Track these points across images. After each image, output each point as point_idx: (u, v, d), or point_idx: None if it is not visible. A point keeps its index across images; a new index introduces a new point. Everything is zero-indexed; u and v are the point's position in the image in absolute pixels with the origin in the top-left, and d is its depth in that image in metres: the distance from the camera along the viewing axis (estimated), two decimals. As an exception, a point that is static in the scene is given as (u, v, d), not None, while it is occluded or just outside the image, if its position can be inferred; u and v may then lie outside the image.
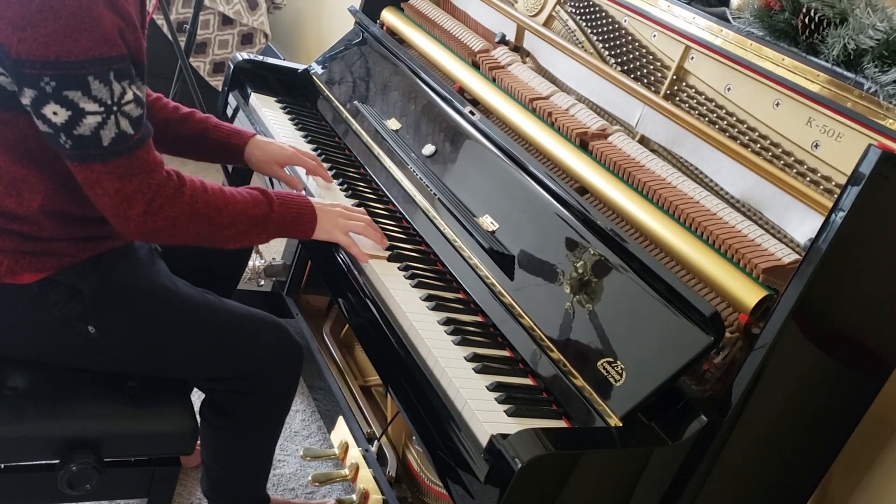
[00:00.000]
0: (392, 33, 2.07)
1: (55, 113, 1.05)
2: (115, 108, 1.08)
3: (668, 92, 1.48)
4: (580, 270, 1.26)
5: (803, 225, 1.21)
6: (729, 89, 1.38)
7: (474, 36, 1.89)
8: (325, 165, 1.67)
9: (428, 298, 1.33)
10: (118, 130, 1.09)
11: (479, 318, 1.34)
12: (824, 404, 1.27)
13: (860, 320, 1.21)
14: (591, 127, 1.52)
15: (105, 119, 1.07)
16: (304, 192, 1.46)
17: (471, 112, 1.63)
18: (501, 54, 1.79)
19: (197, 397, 1.40)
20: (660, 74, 1.52)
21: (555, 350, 1.20)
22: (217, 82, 3.32)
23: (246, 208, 1.26)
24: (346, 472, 1.71)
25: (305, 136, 1.83)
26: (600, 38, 1.65)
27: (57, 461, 1.23)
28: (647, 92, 1.48)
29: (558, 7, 1.76)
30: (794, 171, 1.27)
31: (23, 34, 1.01)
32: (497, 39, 1.85)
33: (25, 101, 1.05)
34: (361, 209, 1.48)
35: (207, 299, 1.34)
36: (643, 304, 1.17)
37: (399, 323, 1.27)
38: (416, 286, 1.36)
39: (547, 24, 1.78)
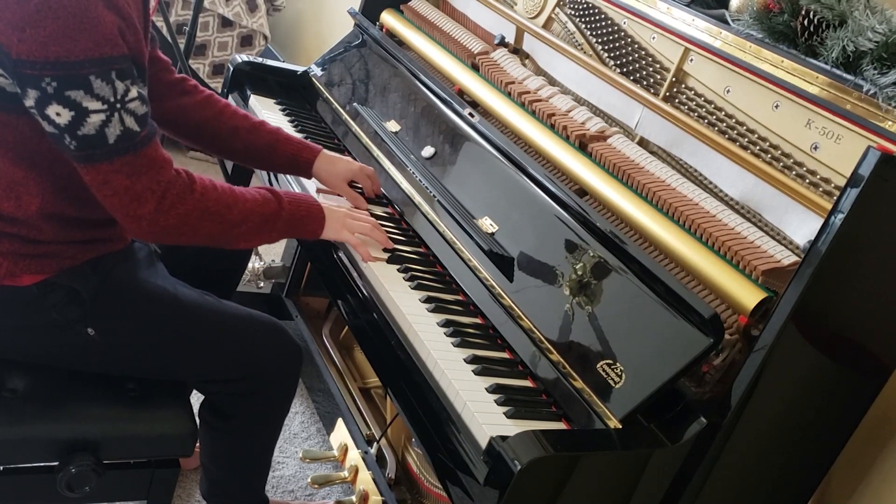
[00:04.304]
0: (391, 35, 2.07)
1: (58, 114, 1.05)
2: (118, 106, 1.07)
3: (668, 94, 1.48)
4: (579, 272, 1.26)
5: (803, 227, 1.21)
6: (728, 91, 1.38)
7: (473, 38, 1.89)
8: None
9: (427, 300, 1.33)
10: (123, 128, 1.08)
11: (478, 320, 1.34)
12: (824, 406, 1.27)
13: (860, 322, 1.21)
14: (590, 129, 1.52)
15: (109, 117, 1.07)
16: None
17: (470, 114, 1.63)
18: (501, 56, 1.80)
19: (196, 399, 1.40)
20: (659, 76, 1.52)
21: (554, 352, 1.20)
22: (216, 84, 3.32)
23: (256, 206, 1.26)
24: (345, 473, 1.70)
25: (305, 139, 1.82)
26: (600, 40, 1.65)
27: (56, 463, 1.22)
28: (646, 94, 1.48)
29: (557, 9, 1.76)
30: (794, 172, 1.27)
31: (22, 35, 1.01)
32: (496, 41, 1.85)
33: (29, 102, 1.05)
34: (365, 211, 1.48)
35: (207, 301, 1.34)
36: (642, 305, 1.17)
37: (398, 325, 1.27)
38: (415, 288, 1.36)
39: (546, 26, 1.78)
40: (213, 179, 1.24)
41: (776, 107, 1.30)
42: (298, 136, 1.83)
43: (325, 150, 1.58)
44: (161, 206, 1.14)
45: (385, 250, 1.44)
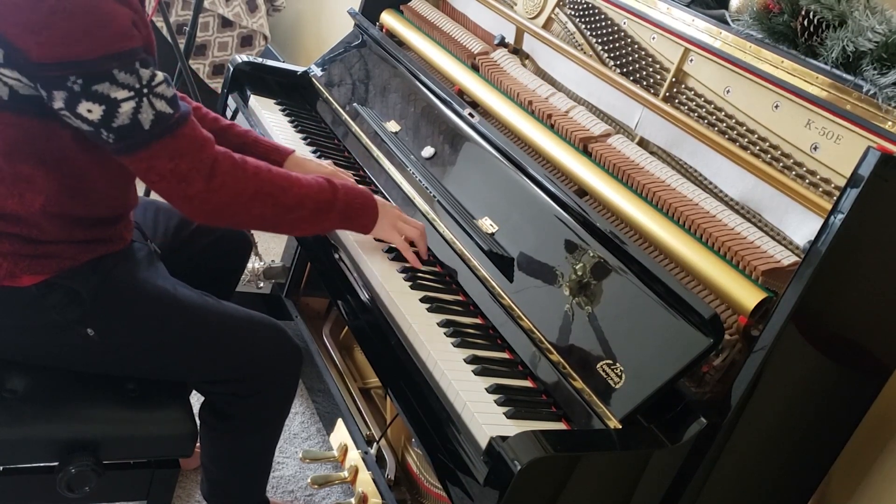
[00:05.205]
0: (391, 35, 2.07)
1: (90, 110, 1.06)
2: (145, 91, 1.08)
3: (668, 94, 1.48)
4: (579, 272, 1.26)
5: (802, 227, 1.21)
6: (728, 91, 1.39)
7: (473, 38, 1.89)
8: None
9: (427, 300, 1.33)
10: (155, 112, 1.09)
11: (478, 321, 1.34)
12: (824, 406, 1.27)
13: (859, 322, 1.21)
14: (590, 129, 1.52)
15: (139, 103, 1.08)
16: None
17: (470, 114, 1.63)
18: (501, 56, 1.80)
19: (196, 399, 1.40)
20: (659, 77, 1.52)
21: (554, 352, 1.20)
22: (216, 84, 3.32)
23: (311, 192, 1.25)
24: (345, 474, 1.70)
25: (305, 139, 1.83)
26: (600, 40, 1.65)
27: (56, 463, 1.22)
28: (646, 94, 1.48)
29: (557, 9, 1.76)
30: (794, 173, 1.27)
31: (39, 37, 1.01)
32: (496, 42, 1.85)
33: (59, 104, 1.06)
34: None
35: (207, 301, 1.34)
36: (642, 306, 1.17)
37: (398, 325, 1.27)
38: (415, 288, 1.36)
39: (546, 26, 1.78)
40: (269, 164, 1.23)
41: (776, 107, 1.30)
42: (298, 136, 1.84)
43: (297, 153, 1.57)
44: (212, 185, 1.14)
45: (386, 251, 1.44)
